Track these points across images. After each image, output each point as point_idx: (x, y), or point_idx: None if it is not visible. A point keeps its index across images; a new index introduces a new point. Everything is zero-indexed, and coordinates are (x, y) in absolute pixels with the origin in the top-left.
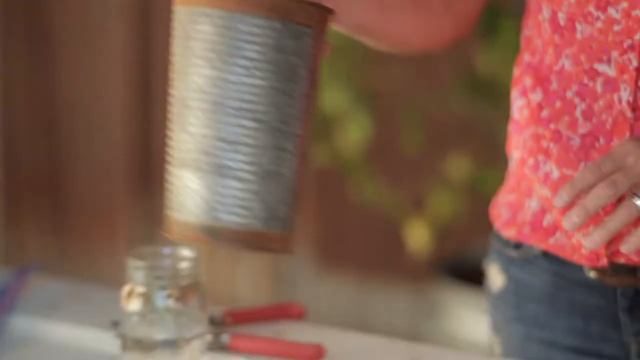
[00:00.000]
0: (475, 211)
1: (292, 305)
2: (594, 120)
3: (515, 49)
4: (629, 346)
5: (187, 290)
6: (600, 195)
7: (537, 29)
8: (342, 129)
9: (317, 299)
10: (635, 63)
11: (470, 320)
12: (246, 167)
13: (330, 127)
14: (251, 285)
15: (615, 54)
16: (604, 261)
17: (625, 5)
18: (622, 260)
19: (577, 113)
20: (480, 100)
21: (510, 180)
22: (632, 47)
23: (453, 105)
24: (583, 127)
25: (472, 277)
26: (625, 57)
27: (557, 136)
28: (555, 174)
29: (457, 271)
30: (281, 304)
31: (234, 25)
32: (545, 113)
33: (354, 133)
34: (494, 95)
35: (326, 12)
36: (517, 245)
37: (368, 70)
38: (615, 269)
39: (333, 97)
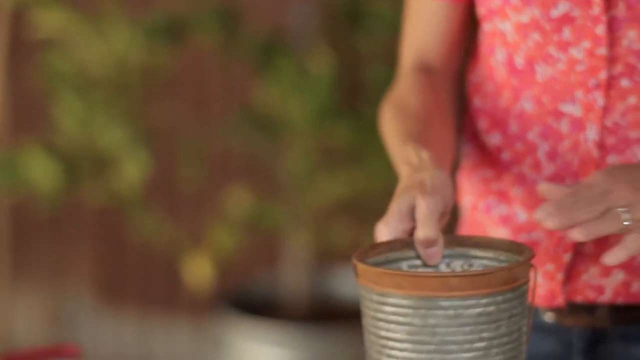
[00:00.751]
0: (256, 244)
1: (67, 346)
2: (559, 161)
3: (291, 85)
4: None
5: None
6: (586, 226)
7: (488, 73)
8: (119, 167)
9: (98, 337)
10: (601, 102)
11: (255, 352)
12: None
13: (107, 166)
14: (29, 327)
15: (579, 93)
16: (560, 300)
17: (587, 45)
18: (579, 299)
19: (540, 155)
20: (258, 135)
21: (463, 228)
22: (597, 86)
23: (232, 141)
24: (547, 169)
25: (256, 309)
26: (590, 96)
27: (520, 179)
28: (522, 216)
29: (240, 304)
30: (56, 345)
31: (467, 312)
32: (505, 156)
33: (132, 171)
34: (271, 130)
35: (532, 253)
36: None
37: (145, 108)
38: (573, 308)
39: (110, 135)
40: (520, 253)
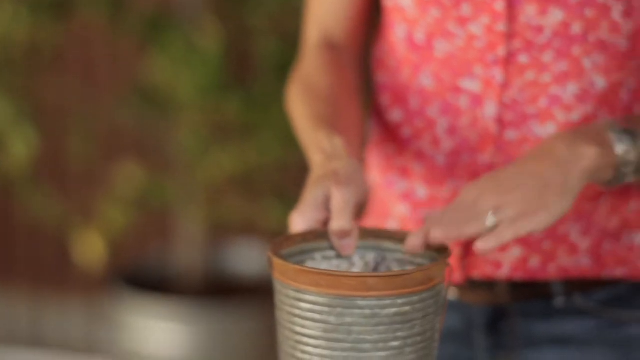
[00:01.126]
0: (149, 221)
1: None
2: (457, 137)
3: (179, 59)
4: None
5: None
6: (447, 227)
7: (390, 49)
8: (6, 144)
9: None
10: (499, 78)
11: (150, 329)
12: None
13: None
14: None
15: (478, 69)
16: (458, 276)
17: (486, 20)
18: (477, 274)
19: (439, 131)
20: (148, 111)
21: (370, 206)
22: (496, 62)
23: (121, 116)
24: (446, 144)
25: (150, 286)
26: (489, 72)
27: (420, 155)
28: (422, 192)
29: (134, 281)
30: None
31: (383, 311)
32: (406, 132)
33: (19, 148)
34: (161, 105)
35: (449, 252)
36: None
37: (32, 84)
38: (472, 285)
39: None
40: (434, 248)
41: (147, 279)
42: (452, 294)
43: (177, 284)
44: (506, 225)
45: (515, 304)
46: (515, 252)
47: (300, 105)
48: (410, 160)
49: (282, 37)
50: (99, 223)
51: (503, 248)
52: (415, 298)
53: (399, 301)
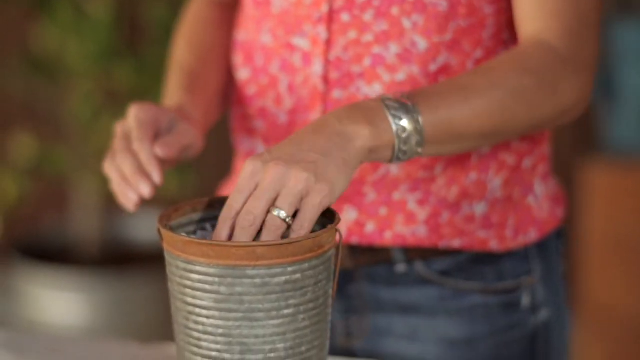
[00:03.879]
0: (44, 190)
1: None
2: (295, 95)
3: (69, 27)
4: (334, 325)
5: None
6: (245, 231)
7: (241, 6)
8: None
9: None
10: (324, 35)
11: (49, 299)
12: None
13: None
14: None
15: (307, 27)
16: None
17: None
18: None
19: (282, 89)
20: (39, 79)
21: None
22: (320, 20)
23: (12, 86)
24: (288, 103)
25: (48, 256)
26: (315, 29)
27: (263, 113)
28: (261, 150)
29: (31, 252)
30: None
31: (274, 280)
32: (252, 90)
33: None
34: (52, 73)
35: (339, 219)
36: None
37: None
38: None
39: None
40: (323, 215)
41: (44, 249)
42: None
43: (74, 254)
44: (305, 209)
45: (360, 268)
46: (351, 216)
47: (177, 52)
48: (254, 119)
49: (171, 2)
50: None
51: (338, 209)
52: (305, 265)
53: (289, 269)
